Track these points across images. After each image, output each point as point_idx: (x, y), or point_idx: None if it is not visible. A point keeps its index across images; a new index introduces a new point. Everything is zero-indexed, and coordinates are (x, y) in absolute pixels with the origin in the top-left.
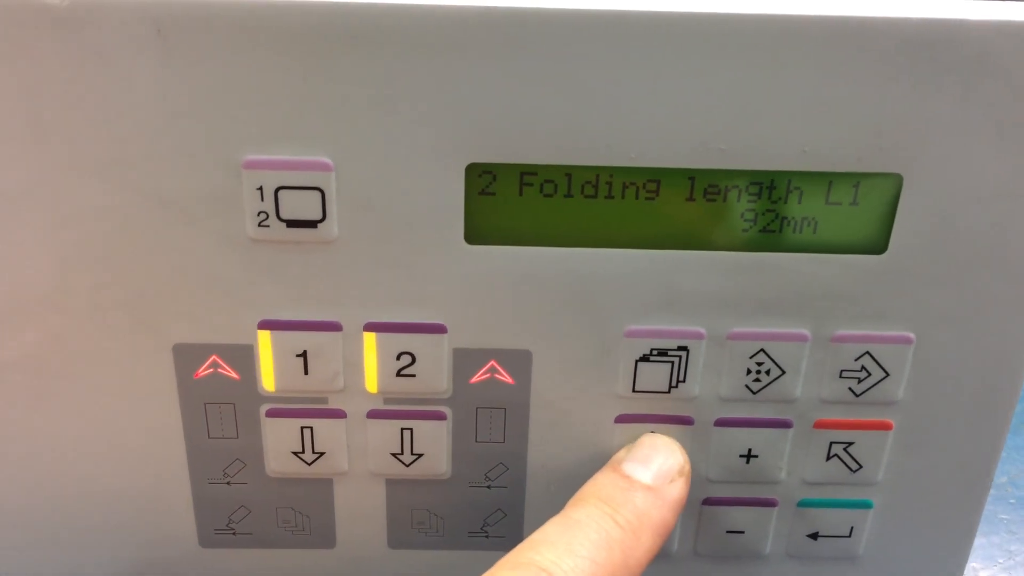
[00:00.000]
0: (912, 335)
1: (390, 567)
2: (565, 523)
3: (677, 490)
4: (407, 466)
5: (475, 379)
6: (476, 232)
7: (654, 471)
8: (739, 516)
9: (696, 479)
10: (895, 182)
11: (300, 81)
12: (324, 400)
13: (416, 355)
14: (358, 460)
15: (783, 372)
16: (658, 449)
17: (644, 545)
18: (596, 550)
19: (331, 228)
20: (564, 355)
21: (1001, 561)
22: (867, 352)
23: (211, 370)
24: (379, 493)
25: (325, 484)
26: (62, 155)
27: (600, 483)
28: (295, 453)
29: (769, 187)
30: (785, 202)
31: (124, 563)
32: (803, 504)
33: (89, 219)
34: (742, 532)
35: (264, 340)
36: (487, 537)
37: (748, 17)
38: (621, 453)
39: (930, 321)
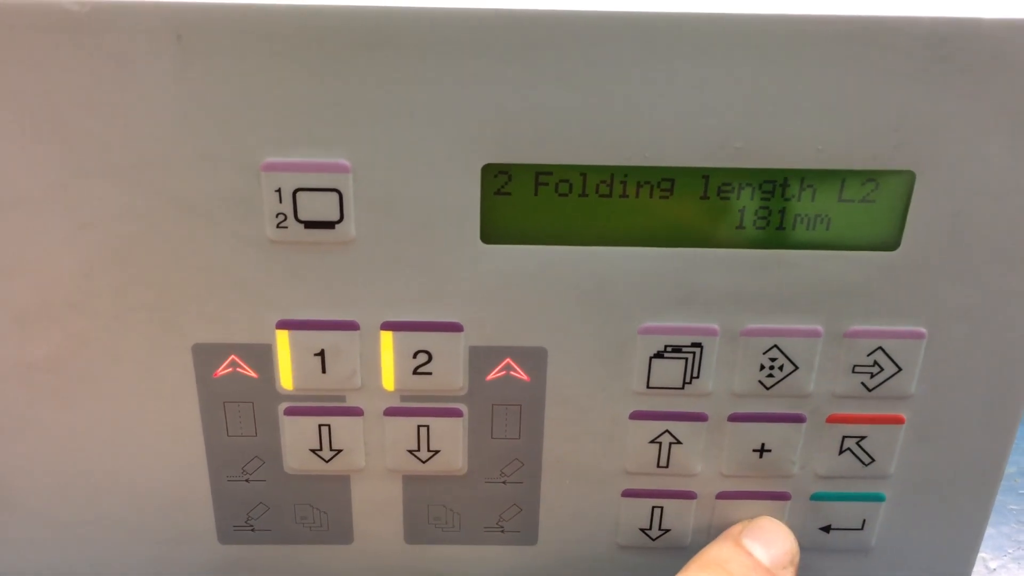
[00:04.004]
0: (924, 330)
1: (407, 562)
2: None
3: None
4: (423, 462)
5: (491, 376)
6: (492, 232)
7: (772, 554)
8: (753, 510)
9: (710, 474)
10: (908, 179)
11: (317, 84)
12: (341, 398)
13: (432, 353)
14: (375, 457)
15: (796, 367)
16: (776, 534)
17: None
18: None
19: (349, 229)
20: (579, 352)
21: (1011, 551)
22: (880, 347)
23: (230, 369)
24: (396, 489)
25: (342, 481)
26: (83, 159)
27: (724, 555)
28: (313, 451)
29: (782, 185)
30: (798, 199)
31: (144, 559)
32: (816, 497)
33: (110, 222)
34: None
35: (282, 339)
36: (503, 532)
37: (762, 17)
38: (738, 527)
39: (942, 316)
